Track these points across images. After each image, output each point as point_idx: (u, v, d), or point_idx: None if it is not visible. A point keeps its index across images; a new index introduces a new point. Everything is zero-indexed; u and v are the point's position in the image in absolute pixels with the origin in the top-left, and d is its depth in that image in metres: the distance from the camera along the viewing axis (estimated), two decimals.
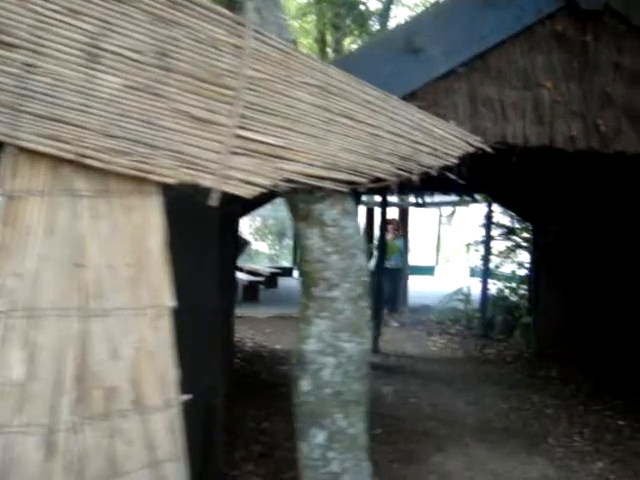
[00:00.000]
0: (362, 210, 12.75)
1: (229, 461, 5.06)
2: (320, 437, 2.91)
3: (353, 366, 2.95)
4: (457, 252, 15.66)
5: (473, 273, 12.52)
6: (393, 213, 14.05)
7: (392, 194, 10.26)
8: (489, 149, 3.64)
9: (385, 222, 10.06)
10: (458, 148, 3.40)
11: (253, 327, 11.59)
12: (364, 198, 11.69)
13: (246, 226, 22.97)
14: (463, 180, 3.52)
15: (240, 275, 15.09)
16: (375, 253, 11.33)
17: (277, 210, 18.68)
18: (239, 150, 2.67)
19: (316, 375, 2.92)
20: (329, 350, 2.92)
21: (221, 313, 5.18)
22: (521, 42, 4.17)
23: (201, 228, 3.48)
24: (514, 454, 5.61)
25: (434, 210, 15.93)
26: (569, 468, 5.33)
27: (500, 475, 5.18)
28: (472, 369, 8.74)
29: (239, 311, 12.82)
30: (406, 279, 13.32)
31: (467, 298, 11.93)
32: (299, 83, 2.86)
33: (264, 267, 17.76)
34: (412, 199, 13.10)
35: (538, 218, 9.36)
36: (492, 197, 10.32)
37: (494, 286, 11.76)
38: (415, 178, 3.13)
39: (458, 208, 15.89)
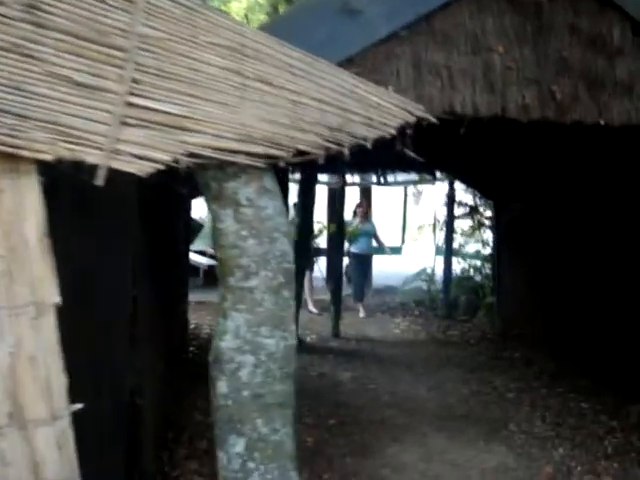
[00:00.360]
0: (323, 191, 12.26)
1: (171, 460, 4.74)
2: (239, 445, 2.58)
3: (276, 364, 2.61)
4: (424, 231, 15.34)
5: (439, 252, 12.20)
6: (355, 193, 13.72)
7: (331, 171, 9.68)
8: (433, 119, 3.31)
9: (339, 203, 9.59)
10: (397, 118, 3.06)
11: (211, 313, 11.21)
12: (324, 178, 11.28)
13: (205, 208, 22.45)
14: (420, 157, 3.22)
15: (201, 259, 14.68)
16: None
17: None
18: (131, 121, 2.30)
19: (234, 376, 2.59)
20: (247, 347, 2.58)
21: (161, 301, 4.83)
22: (470, 3, 3.81)
23: (114, 210, 3.11)
24: (473, 442, 5.36)
25: (399, 189, 15.61)
26: (529, 456, 5.10)
27: (458, 465, 4.93)
28: (434, 352, 8.48)
29: (199, 297, 12.51)
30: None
31: (431, 278, 11.66)
32: (206, 44, 2.50)
33: None
34: (375, 178, 12.73)
35: (499, 195, 9.09)
36: (453, 175, 10.02)
37: (459, 265, 11.53)
38: (346, 151, 2.78)
39: (426, 186, 15.62)
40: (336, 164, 9.02)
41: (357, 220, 11.17)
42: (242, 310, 2.59)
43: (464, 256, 11.36)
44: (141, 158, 2.26)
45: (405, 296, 11.62)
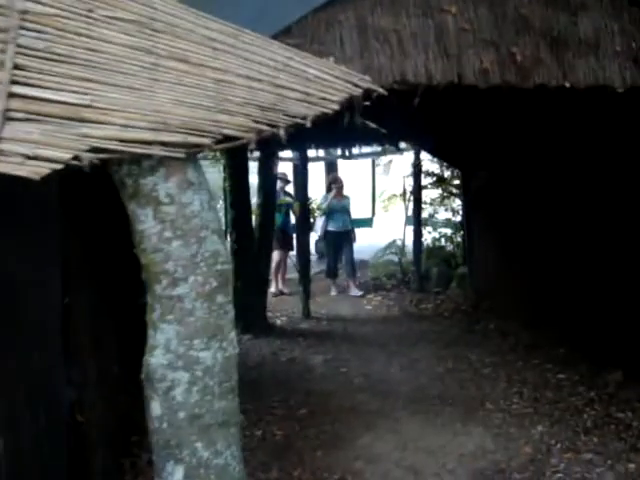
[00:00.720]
0: (288, 167, 11.90)
1: (134, 467, 4.43)
2: (178, 473, 2.29)
3: (214, 380, 2.31)
4: (394, 202, 15.06)
5: (410, 223, 11.92)
6: (320, 168, 13.40)
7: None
8: (382, 90, 2.99)
9: (301, 179, 9.22)
10: (340, 91, 2.74)
11: None
12: (285, 154, 10.91)
13: None
14: (382, 128, 2.92)
15: None
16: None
17: (209, 172, 17.78)
18: (18, 114, 1.96)
19: (167, 395, 2.28)
20: (180, 363, 2.28)
21: (112, 306, 4.47)
22: None
23: (34, 213, 2.78)
24: (449, 425, 5.13)
25: (366, 161, 15.29)
26: (507, 436, 4.89)
27: (433, 452, 4.70)
28: (407, 328, 8.24)
29: None
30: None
31: (401, 250, 11.41)
32: (106, 19, 2.15)
33: None
34: (339, 152, 12.39)
35: (466, 164, 8.81)
36: (417, 145, 9.72)
37: (430, 235, 11.28)
38: (282, 132, 2.46)
39: (395, 157, 15.31)
40: (297, 140, 8.72)
41: (331, 195, 10.66)
42: (171, 321, 2.28)
43: (434, 225, 11.10)
44: (33, 158, 1.92)
45: (376, 270, 11.35)
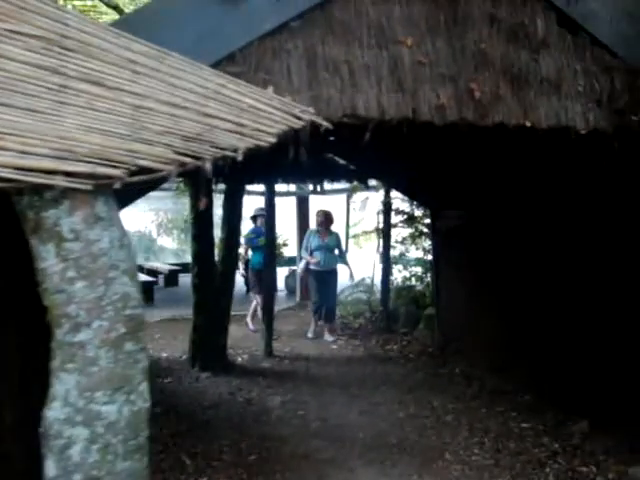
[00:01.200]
0: (258, 202, 11.68)
1: None
2: None
3: (118, 437, 2.06)
4: (368, 239, 14.89)
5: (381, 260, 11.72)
6: (291, 202, 13.22)
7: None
8: (326, 123, 2.81)
9: (269, 214, 9.02)
10: (278, 123, 2.55)
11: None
12: (255, 188, 10.69)
13: (149, 221, 21.78)
14: (350, 164, 2.72)
15: None
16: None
17: (179, 203, 17.57)
18: None
19: (63, 454, 2.02)
20: (79, 417, 2.02)
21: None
22: None
23: None
24: (405, 477, 4.90)
25: (340, 197, 15.13)
26: None
27: None
28: (371, 370, 7.99)
29: None
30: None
31: (370, 289, 11.20)
32: (8, 33, 1.93)
33: (163, 265, 16.67)
34: (311, 187, 12.24)
35: (434, 203, 8.66)
36: (385, 182, 9.58)
37: (400, 274, 11.10)
38: (208, 166, 2.25)
39: (371, 194, 15.17)
40: (264, 173, 8.54)
41: (320, 233, 9.96)
42: (72, 370, 2.04)
43: (405, 264, 10.92)
44: None
45: (345, 309, 11.10)
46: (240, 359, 8.64)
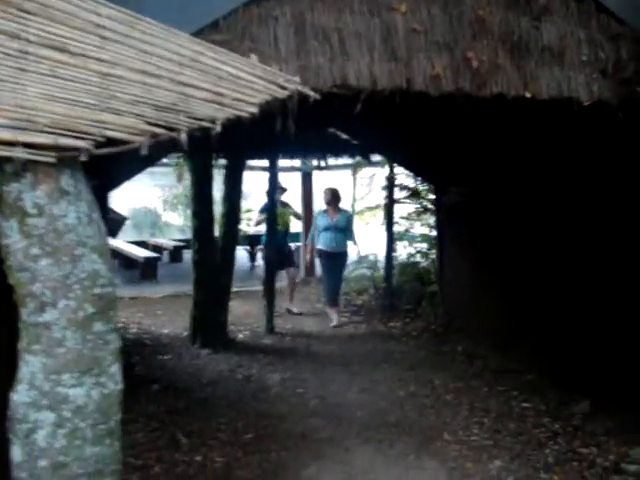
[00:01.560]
0: (260, 177, 11.53)
1: None
2: None
3: (86, 421, 1.97)
4: (374, 214, 14.74)
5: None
6: (295, 178, 13.07)
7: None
8: (313, 93, 2.67)
9: (270, 189, 8.87)
10: (260, 92, 2.43)
11: (144, 309, 10.58)
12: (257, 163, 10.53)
13: (154, 197, 21.69)
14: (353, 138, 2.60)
15: (138, 251, 13.99)
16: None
17: (185, 178, 17.47)
18: None
19: (28, 439, 1.94)
20: (45, 401, 1.93)
21: None
22: None
23: None
24: (402, 457, 4.80)
25: (345, 172, 14.97)
26: (463, 471, 4.56)
27: None
28: (373, 347, 7.91)
29: (134, 291, 11.84)
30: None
31: (374, 265, 11.07)
32: None
33: (168, 241, 16.61)
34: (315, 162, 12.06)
35: (438, 178, 8.51)
36: (388, 157, 9.41)
37: (405, 250, 10.97)
38: (183, 137, 2.13)
39: (377, 170, 15.02)
40: (266, 147, 8.40)
41: (329, 212, 9.47)
42: (38, 352, 1.94)
43: (410, 240, 10.79)
44: None
45: (348, 285, 10.99)
46: (241, 336, 8.58)
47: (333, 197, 9.46)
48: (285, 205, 10.10)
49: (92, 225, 2.00)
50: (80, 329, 1.96)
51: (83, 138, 1.92)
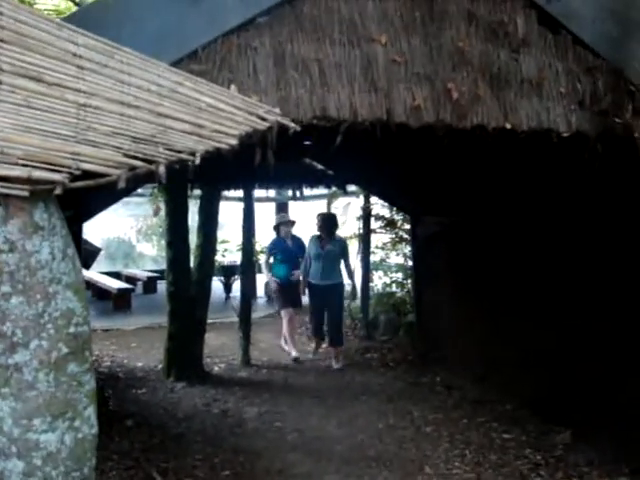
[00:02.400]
0: (236, 207, 11.45)
1: None
2: None
3: (59, 469, 1.87)
4: (350, 244, 14.68)
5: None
6: (270, 209, 13.04)
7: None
8: (293, 124, 2.63)
9: (246, 220, 8.78)
10: (240, 124, 2.38)
11: (118, 341, 10.39)
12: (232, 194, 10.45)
13: (128, 227, 21.50)
14: (329, 169, 2.55)
15: (111, 282, 13.79)
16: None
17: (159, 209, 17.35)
18: None
19: None
20: (13, 448, 1.83)
21: None
22: None
23: None
24: None
25: (320, 202, 14.97)
26: None
27: None
28: (350, 379, 7.81)
29: (107, 323, 11.64)
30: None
31: (350, 295, 10.98)
32: None
33: (142, 272, 16.41)
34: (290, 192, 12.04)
35: (414, 208, 8.51)
36: (364, 188, 9.41)
37: (380, 280, 10.94)
38: (162, 170, 2.07)
39: (352, 199, 15.06)
40: (241, 179, 8.35)
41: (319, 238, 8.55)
42: (6, 396, 1.84)
43: (385, 270, 10.76)
44: None
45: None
46: (217, 368, 8.44)
47: (324, 223, 8.59)
48: (297, 241, 9.42)
49: (67, 261, 1.92)
50: (53, 371, 1.87)
51: (58, 171, 1.85)
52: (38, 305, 1.85)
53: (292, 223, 9.48)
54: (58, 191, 1.84)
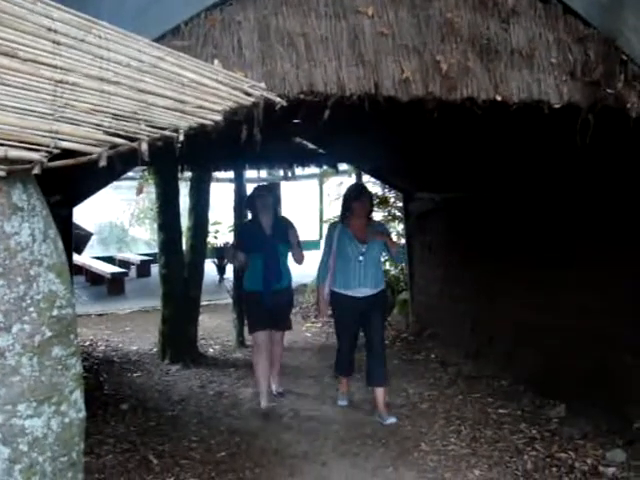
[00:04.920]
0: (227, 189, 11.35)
1: None
2: None
3: (46, 454, 1.83)
4: None
5: None
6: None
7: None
8: (280, 100, 2.58)
9: (237, 201, 8.63)
10: (224, 99, 2.32)
11: (112, 326, 10.37)
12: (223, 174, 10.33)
13: (121, 211, 21.36)
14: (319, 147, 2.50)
15: (104, 267, 13.74)
16: None
17: (151, 193, 17.28)
18: None
19: None
20: None
21: None
22: None
23: None
24: (380, 469, 4.74)
25: (312, 182, 14.95)
26: None
27: None
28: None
29: (101, 308, 11.62)
30: None
31: None
32: None
33: (135, 255, 16.36)
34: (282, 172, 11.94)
35: (407, 186, 8.46)
36: (356, 166, 9.34)
37: None
38: (144, 147, 2.02)
39: (344, 178, 15.00)
40: (231, 159, 8.26)
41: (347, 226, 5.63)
42: None
43: None
44: None
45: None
46: (212, 350, 8.44)
47: (360, 199, 5.66)
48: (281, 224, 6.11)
49: (48, 242, 1.87)
50: (37, 355, 1.83)
51: (36, 150, 1.80)
52: (19, 288, 1.80)
53: (270, 193, 6.26)
54: (36, 171, 1.79)
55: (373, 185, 10.20)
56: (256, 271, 5.95)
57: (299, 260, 6.03)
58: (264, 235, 5.96)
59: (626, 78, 3.55)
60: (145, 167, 8.60)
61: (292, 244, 6.00)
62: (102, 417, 5.83)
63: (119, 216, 21.72)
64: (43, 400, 1.84)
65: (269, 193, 6.27)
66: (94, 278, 13.76)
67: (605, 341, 5.17)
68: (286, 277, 6.13)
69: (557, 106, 3.52)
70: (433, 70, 3.21)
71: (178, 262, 7.81)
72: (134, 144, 1.99)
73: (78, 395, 1.95)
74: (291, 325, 6.53)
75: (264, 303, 5.87)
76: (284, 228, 6.03)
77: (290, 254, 6.08)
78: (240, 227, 7.98)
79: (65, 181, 2.01)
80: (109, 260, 15.49)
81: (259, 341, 6.02)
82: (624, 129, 3.62)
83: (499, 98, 3.38)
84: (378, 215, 10.68)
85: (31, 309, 1.82)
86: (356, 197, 5.72)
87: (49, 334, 1.85)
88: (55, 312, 1.87)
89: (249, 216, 6.46)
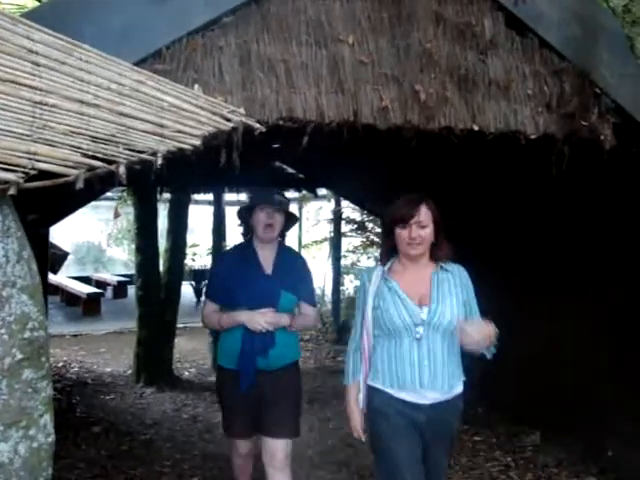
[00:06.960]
0: (205, 211, 11.36)
1: None
2: None
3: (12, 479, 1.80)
4: (321, 248, 14.69)
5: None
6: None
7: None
8: (258, 125, 2.60)
9: (216, 224, 8.66)
10: (203, 124, 2.33)
11: (87, 347, 10.26)
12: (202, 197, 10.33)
13: (98, 231, 21.24)
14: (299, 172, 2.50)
15: (80, 287, 13.62)
16: None
17: (129, 214, 17.21)
18: None
19: None
20: None
21: None
22: None
23: None
24: None
25: (293, 206, 14.91)
26: None
27: None
28: (321, 383, 7.78)
29: (76, 328, 11.50)
30: None
31: (321, 299, 10.97)
32: None
33: (112, 276, 16.23)
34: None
35: (384, 211, 8.48)
36: (335, 192, 9.39)
37: (352, 284, 10.93)
38: (122, 170, 2.02)
39: (323, 203, 15.03)
40: (211, 181, 8.27)
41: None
42: None
43: (356, 274, 10.76)
44: None
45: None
46: (187, 373, 8.38)
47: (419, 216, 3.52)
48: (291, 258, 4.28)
49: (22, 264, 1.86)
50: (7, 377, 1.80)
51: (12, 170, 1.79)
52: None
53: (281, 206, 3.82)
54: (12, 191, 1.78)
55: (352, 211, 10.26)
56: (235, 336, 3.66)
57: (298, 325, 3.81)
58: (259, 275, 3.73)
59: (600, 111, 3.62)
60: (124, 188, 8.58)
61: (299, 298, 3.81)
62: (73, 440, 5.75)
63: (97, 236, 21.62)
64: (11, 424, 1.81)
65: (279, 205, 3.78)
66: (70, 298, 13.63)
67: (580, 369, 5.19)
68: (286, 348, 3.73)
69: (533, 137, 3.59)
70: (412, 99, 3.25)
71: (155, 284, 7.77)
72: (112, 167, 1.99)
73: (48, 419, 1.92)
74: (298, 429, 3.87)
75: (243, 390, 3.68)
76: (293, 268, 3.87)
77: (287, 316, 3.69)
78: (219, 259, 5.72)
79: (42, 200, 2.00)
80: (85, 280, 15.37)
81: (240, 452, 3.98)
82: (598, 161, 3.68)
83: (476, 128, 3.43)
84: (356, 240, 10.76)
85: (2, 330, 1.80)
86: (410, 215, 3.41)
87: (20, 356, 1.83)
88: (27, 334, 1.85)
89: (236, 241, 4.35)
